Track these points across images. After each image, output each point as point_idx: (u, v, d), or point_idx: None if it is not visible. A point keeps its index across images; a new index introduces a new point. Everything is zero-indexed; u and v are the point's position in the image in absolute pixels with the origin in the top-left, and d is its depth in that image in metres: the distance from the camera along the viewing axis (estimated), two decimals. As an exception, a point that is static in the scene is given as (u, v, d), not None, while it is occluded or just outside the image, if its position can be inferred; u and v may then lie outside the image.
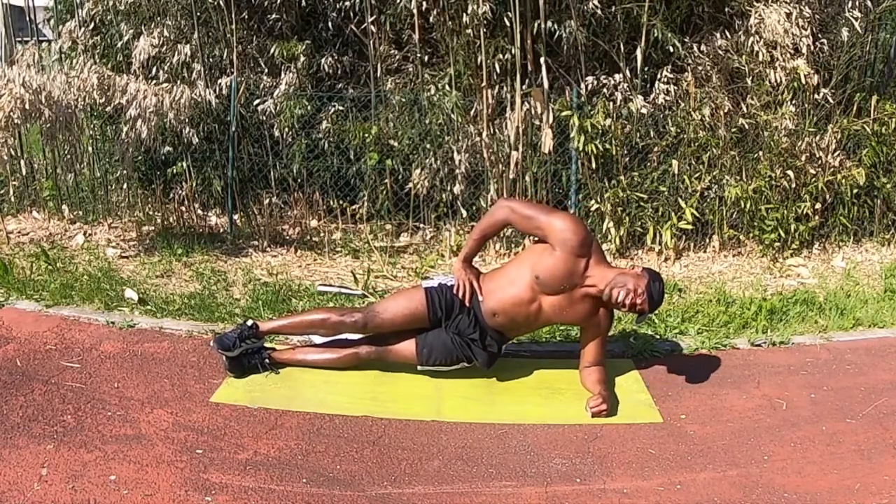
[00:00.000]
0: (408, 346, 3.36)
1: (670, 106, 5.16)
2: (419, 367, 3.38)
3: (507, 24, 5.03)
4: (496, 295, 3.26)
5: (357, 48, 5.63)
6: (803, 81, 5.01)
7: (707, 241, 5.20)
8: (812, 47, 5.12)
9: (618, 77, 5.19)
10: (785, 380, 3.50)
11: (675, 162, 5.04)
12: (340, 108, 5.41)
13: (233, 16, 5.39)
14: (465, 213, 5.27)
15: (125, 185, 5.69)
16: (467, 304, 3.30)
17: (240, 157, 5.46)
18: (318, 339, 3.55)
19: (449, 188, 5.26)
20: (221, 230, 5.45)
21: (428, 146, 5.24)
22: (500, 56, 5.16)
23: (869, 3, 5.18)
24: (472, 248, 3.36)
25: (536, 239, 3.29)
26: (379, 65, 5.45)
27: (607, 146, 5.05)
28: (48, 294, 4.12)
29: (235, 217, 5.44)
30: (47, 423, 2.88)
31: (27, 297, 4.11)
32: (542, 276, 3.14)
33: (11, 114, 4.59)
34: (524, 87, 5.05)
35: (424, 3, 5.22)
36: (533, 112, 5.08)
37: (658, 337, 3.92)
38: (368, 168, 5.28)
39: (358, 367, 3.43)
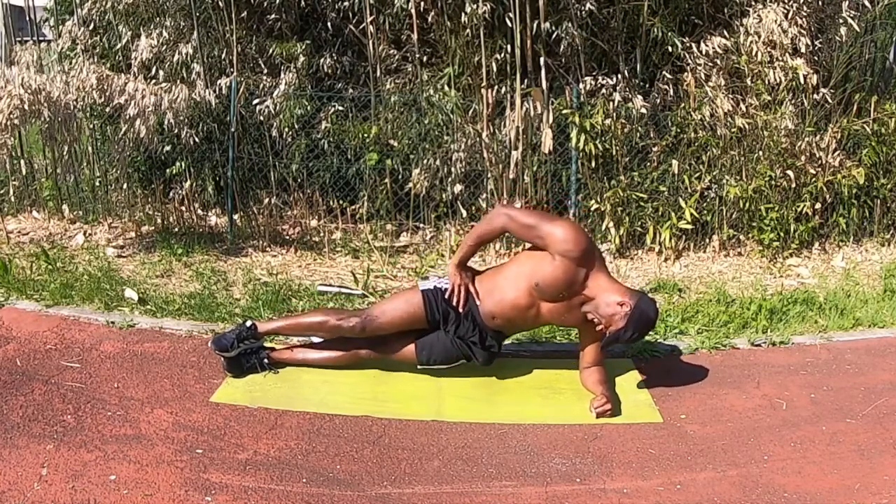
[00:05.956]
0: (407, 348, 3.35)
1: (670, 106, 5.16)
2: (419, 367, 3.38)
3: (507, 24, 5.03)
4: (494, 297, 3.24)
5: (356, 48, 5.63)
6: (802, 81, 5.01)
7: (707, 241, 5.20)
8: (811, 47, 5.12)
9: (617, 77, 5.19)
10: (785, 380, 3.50)
11: (675, 162, 5.04)
12: (340, 108, 5.41)
13: (232, 16, 5.38)
14: (464, 213, 5.27)
15: (125, 185, 5.69)
16: (461, 311, 3.28)
17: (240, 157, 5.46)
18: (317, 339, 3.55)
19: (449, 188, 5.26)
20: (221, 230, 5.45)
21: (427, 146, 5.24)
22: (499, 56, 5.17)
23: (867, 3, 5.18)
24: (467, 253, 3.30)
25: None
26: (378, 65, 5.44)
27: (607, 146, 5.05)
28: (48, 294, 4.12)
29: (235, 217, 5.44)
30: (47, 423, 2.87)
31: (27, 296, 4.11)
32: (541, 283, 3.11)
33: (11, 115, 4.59)
34: (523, 86, 5.05)
35: (422, 4, 5.22)
36: (532, 112, 5.08)
37: (658, 337, 3.92)
38: (368, 168, 5.28)
39: (358, 366, 3.43)
